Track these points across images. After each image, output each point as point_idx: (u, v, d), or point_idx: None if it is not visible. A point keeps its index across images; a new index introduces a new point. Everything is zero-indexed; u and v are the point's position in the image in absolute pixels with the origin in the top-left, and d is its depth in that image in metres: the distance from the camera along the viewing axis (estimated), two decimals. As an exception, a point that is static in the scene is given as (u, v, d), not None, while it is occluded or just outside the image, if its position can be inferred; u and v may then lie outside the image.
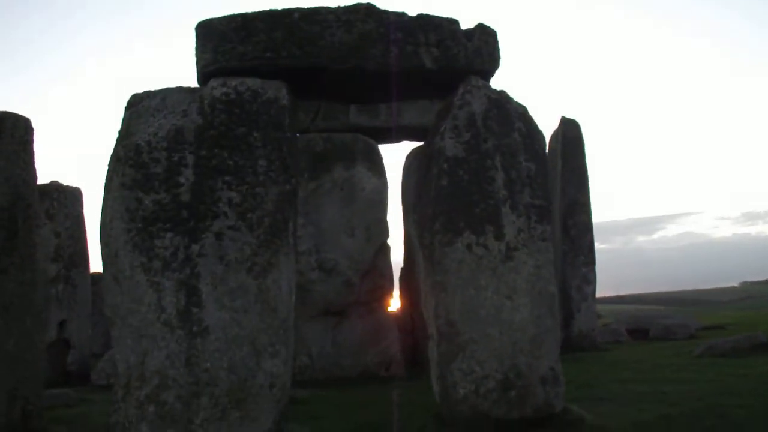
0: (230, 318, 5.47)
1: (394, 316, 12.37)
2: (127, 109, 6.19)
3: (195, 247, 5.54)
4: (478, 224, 5.85)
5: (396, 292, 12.41)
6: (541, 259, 5.96)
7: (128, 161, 5.77)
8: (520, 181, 6.00)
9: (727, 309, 43.40)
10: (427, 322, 6.09)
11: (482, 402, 5.72)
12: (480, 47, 6.26)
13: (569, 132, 14.81)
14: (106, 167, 5.98)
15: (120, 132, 6.07)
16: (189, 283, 5.48)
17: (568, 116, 15.03)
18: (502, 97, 6.28)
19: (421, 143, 12.15)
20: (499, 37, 6.43)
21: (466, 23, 6.40)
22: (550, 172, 6.22)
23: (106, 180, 5.90)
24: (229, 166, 5.77)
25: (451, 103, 6.23)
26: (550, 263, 6.00)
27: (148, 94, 6.22)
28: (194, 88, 6.20)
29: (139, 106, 6.16)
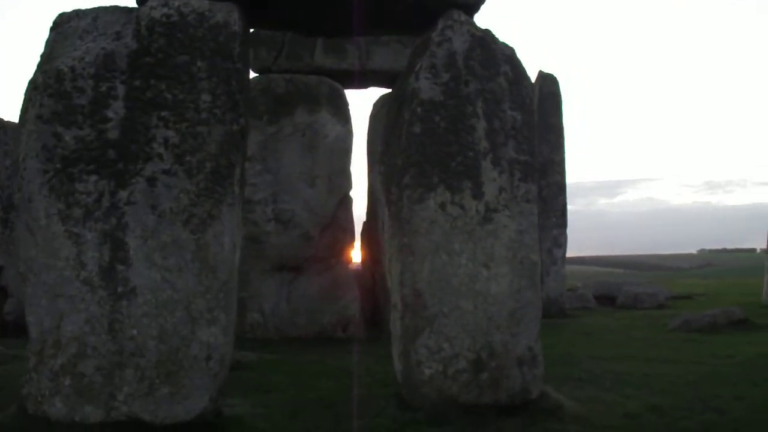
0: (162, 278, 4.80)
1: (354, 274, 11.63)
2: (52, 29, 5.38)
3: (123, 194, 4.83)
4: (455, 180, 5.06)
5: (357, 248, 11.67)
6: (524, 223, 5.20)
7: (47, 90, 4.94)
8: (504, 133, 5.20)
9: (688, 276, 43.49)
10: (390, 290, 5.33)
11: (450, 385, 4.98)
12: (465, -23, 5.41)
13: (546, 87, 14.05)
14: (23, 96, 5.11)
15: (42, 56, 5.28)
16: (114, 236, 4.80)
17: (546, 70, 14.24)
18: (488, 36, 5.45)
19: (391, 90, 11.36)
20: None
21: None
22: (534, 123, 5.43)
23: (21, 111, 5.11)
24: (166, 100, 4.96)
25: (428, 38, 5.39)
26: (534, 228, 5.25)
27: (77, 14, 5.39)
28: (132, 8, 5.32)
29: (66, 27, 5.33)
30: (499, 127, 5.20)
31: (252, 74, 11.19)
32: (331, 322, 10.65)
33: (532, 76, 14.41)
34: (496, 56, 5.37)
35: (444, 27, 5.35)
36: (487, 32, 5.49)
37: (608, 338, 10.13)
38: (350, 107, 11.17)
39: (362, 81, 11.20)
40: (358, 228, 11.58)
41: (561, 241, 13.96)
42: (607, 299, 17.25)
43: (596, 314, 14.30)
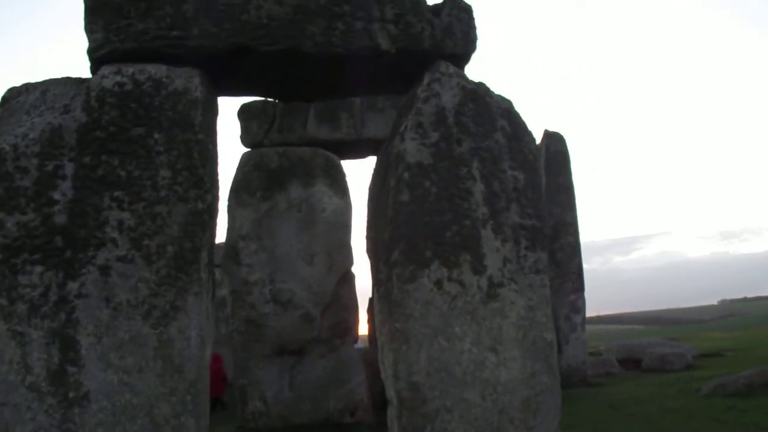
0: (119, 380, 4.20)
1: (361, 353, 10.89)
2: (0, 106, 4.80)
3: (72, 286, 4.26)
4: (451, 253, 4.40)
5: (363, 325, 10.98)
6: (535, 297, 4.52)
7: (-13, 171, 4.34)
8: (505, 196, 4.57)
9: (712, 329, 42.31)
10: (384, 383, 4.62)
11: (459, 494, 4.24)
12: (451, 25, 4.84)
13: (553, 146, 13.49)
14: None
15: (-14, 135, 4.66)
16: (64, 334, 4.24)
17: (551, 129, 13.71)
18: (480, 89, 4.86)
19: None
20: (476, 15, 5.01)
21: (433, -1, 5.00)
22: (540, 182, 4.79)
23: (-42, 197, 4.47)
24: (120, 178, 4.39)
25: (414, 95, 4.81)
26: (547, 302, 4.56)
27: (27, 87, 4.91)
28: (84, 79, 4.78)
29: (14, 102, 4.86)
30: (499, 189, 4.56)
31: (244, 149, 10.77)
32: (337, 408, 9.90)
33: (537, 137, 13.98)
34: (491, 110, 4.76)
35: (431, 81, 4.76)
36: (480, 85, 4.90)
37: (639, 411, 9.30)
38: (348, 178, 10.61)
39: (358, 150, 10.68)
40: (363, 303, 10.91)
41: (579, 306, 13.21)
42: (631, 362, 16.37)
43: (622, 381, 13.43)
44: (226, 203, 10.44)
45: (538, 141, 13.88)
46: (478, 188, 4.53)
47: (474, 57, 5.08)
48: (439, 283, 4.36)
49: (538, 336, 4.45)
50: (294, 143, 10.47)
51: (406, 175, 4.49)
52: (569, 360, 12.95)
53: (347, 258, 10.31)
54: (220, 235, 11.12)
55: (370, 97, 10.27)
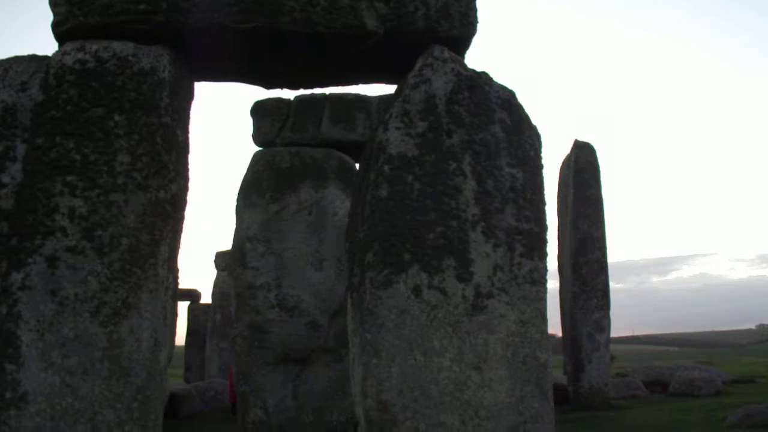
0: (61, 382, 3.81)
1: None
2: (-38, 84, 4.44)
3: (16, 277, 3.89)
4: (433, 257, 3.92)
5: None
6: (528, 311, 4.00)
7: (-68, 153, 3.99)
8: (500, 195, 4.07)
9: (748, 353, 41.13)
10: (354, 400, 4.15)
11: None
12: (447, 5, 4.34)
13: (583, 157, 12.92)
14: None
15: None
16: (4, 329, 3.85)
17: (582, 140, 13.15)
18: (479, 77, 4.36)
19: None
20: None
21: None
22: (542, 183, 4.28)
23: None
24: (74, 162, 4.01)
25: (404, 82, 4.34)
26: (542, 318, 4.03)
27: (-10, 65, 4.46)
28: (45, 56, 4.40)
29: (-23, 81, 4.40)
30: (493, 188, 4.06)
31: (256, 148, 10.38)
32: (341, 421, 9.44)
33: (568, 147, 13.43)
34: (489, 100, 4.26)
35: (423, 66, 4.28)
36: (481, 73, 4.42)
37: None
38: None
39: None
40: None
41: (603, 325, 12.61)
42: (659, 385, 15.70)
43: (645, 405, 12.79)
44: (235, 204, 10.08)
45: (567, 152, 13.35)
46: (469, 186, 4.04)
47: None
48: (417, 290, 3.87)
49: (529, 355, 3.93)
50: (307, 143, 10.05)
51: (386, 168, 4.02)
52: (591, 381, 12.38)
53: (357, 264, 9.85)
54: (228, 238, 10.74)
55: (388, 96, 9.83)
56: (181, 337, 24.06)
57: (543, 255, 4.11)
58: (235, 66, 4.73)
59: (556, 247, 13.58)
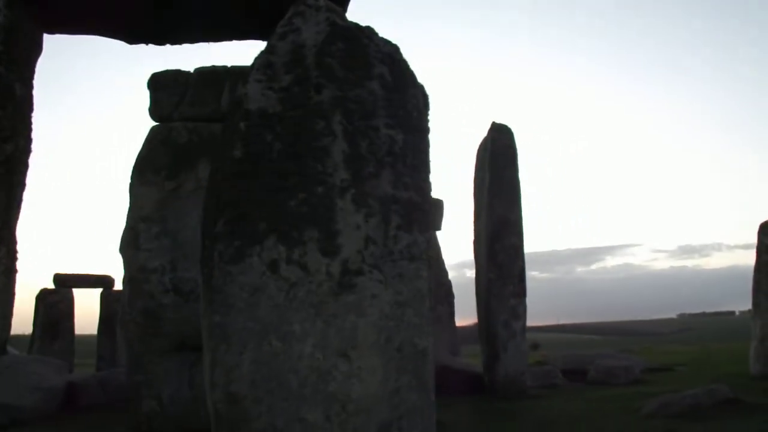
0: None
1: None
2: None
3: None
4: (294, 227, 3.38)
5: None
6: (406, 291, 3.50)
7: None
8: (375, 159, 3.56)
9: (668, 342, 41.94)
10: (206, 392, 3.60)
11: None
12: (324, -53, 3.83)
13: (500, 139, 12.53)
14: None
15: None
16: None
17: (500, 122, 12.77)
18: (358, 28, 3.84)
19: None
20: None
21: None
22: (426, 148, 3.78)
23: None
24: None
25: (272, 33, 3.79)
26: (422, 299, 3.54)
27: None
28: None
29: None
30: (367, 150, 3.55)
31: (152, 123, 9.70)
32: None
33: (485, 129, 13.05)
34: (367, 54, 3.74)
35: (293, 14, 3.73)
36: (363, 27, 3.90)
37: (570, 429, 8.41)
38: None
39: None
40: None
41: (519, 312, 12.24)
42: (577, 374, 15.48)
43: (563, 394, 12.50)
44: (129, 182, 9.38)
45: (485, 135, 12.97)
46: (339, 147, 3.52)
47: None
48: (274, 266, 3.33)
49: (406, 341, 3.44)
50: (207, 118, 9.39)
51: (242, 125, 3.47)
52: (507, 370, 12.01)
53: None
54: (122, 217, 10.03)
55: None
56: (93, 326, 23.19)
57: (424, 228, 3.63)
58: (93, 18, 4.11)
59: (473, 233, 13.20)
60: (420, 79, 3.90)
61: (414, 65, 3.93)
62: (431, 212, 3.76)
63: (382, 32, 3.84)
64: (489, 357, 12.34)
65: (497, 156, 12.40)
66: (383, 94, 3.70)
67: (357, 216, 3.46)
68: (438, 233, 18.15)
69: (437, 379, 11.34)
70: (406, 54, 3.85)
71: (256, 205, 3.36)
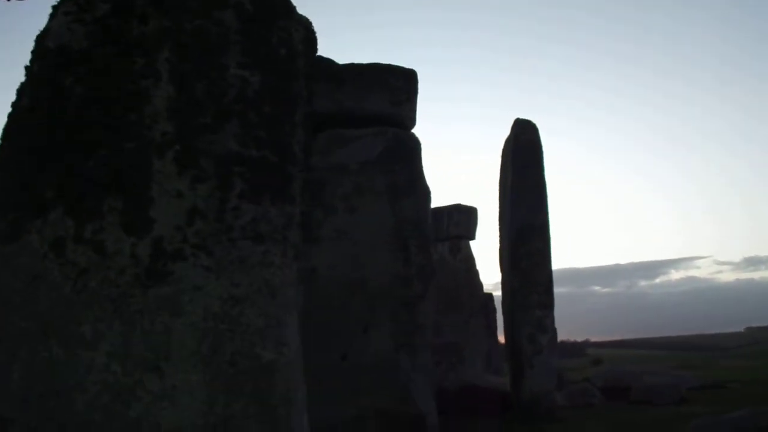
0: None
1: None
2: None
3: None
4: (89, 194, 2.53)
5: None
6: (246, 282, 2.58)
7: None
8: (216, 107, 2.66)
9: (733, 357, 39.84)
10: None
11: None
12: None
13: (523, 135, 11.54)
14: None
15: None
16: None
17: (524, 117, 11.77)
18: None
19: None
20: None
21: None
22: (296, 96, 2.89)
23: None
24: None
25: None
26: (272, 296, 2.60)
27: None
28: None
29: None
30: (204, 95, 2.67)
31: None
32: None
33: (508, 126, 12.05)
34: (220, -24, 2.90)
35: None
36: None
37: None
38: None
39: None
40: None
41: (546, 324, 11.19)
42: (619, 392, 14.28)
43: (595, 416, 11.37)
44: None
45: (507, 132, 11.99)
46: (163, 91, 2.64)
47: None
48: (59, 246, 2.47)
49: (242, 352, 2.50)
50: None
51: (36, 67, 2.65)
52: (533, 388, 10.96)
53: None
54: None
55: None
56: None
57: (282, 198, 2.73)
58: None
59: (498, 238, 12.21)
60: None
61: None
62: (298, 178, 2.86)
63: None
64: (514, 374, 11.30)
65: (520, 154, 11.42)
66: (238, 26, 2.82)
67: (180, 180, 2.57)
68: (472, 243, 17.17)
69: (463, 399, 10.31)
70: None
71: (40, 167, 2.52)
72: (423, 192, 8.70)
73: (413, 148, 8.74)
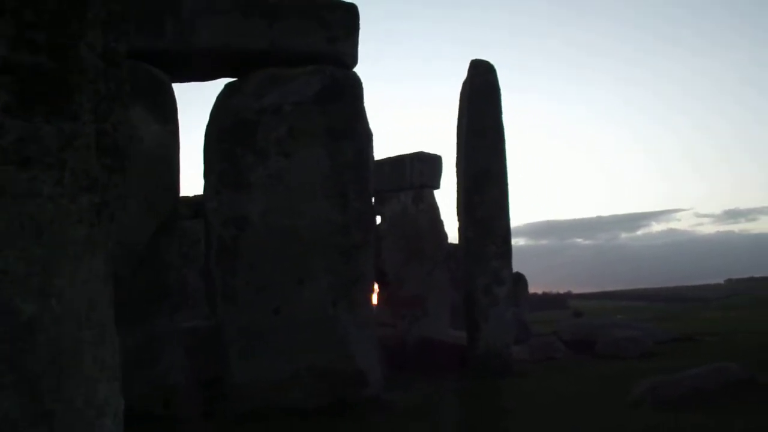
0: None
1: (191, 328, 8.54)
2: None
3: None
4: None
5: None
6: (5, 219, 2.04)
7: None
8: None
9: (713, 308, 39.90)
10: None
11: None
12: None
13: (478, 77, 10.93)
14: None
15: None
16: None
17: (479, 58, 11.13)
18: None
19: (235, 79, 8.41)
20: None
21: None
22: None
23: None
24: None
25: None
26: (40, 231, 2.05)
27: None
28: None
29: None
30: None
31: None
32: (144, 394, 7.54)
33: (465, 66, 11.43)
34: None
35: None
36: None
37: (539, 420, 6.92)
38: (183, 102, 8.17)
39: (189, 64, 8.22)
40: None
41: (504, 276, 10.69)
42: (585, 345, 13.91)
43: (557, 370, 10.96)
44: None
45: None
46: None
47: None
48: None
49: None
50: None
51: None
52: (488, 342, 10.50)
53: (170, 201, 7.92)
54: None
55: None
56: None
57: (60, 114, 2.14)
58: None
59: (456, 187, 11.64)
60: None
61: None
62: (88, 90, 2.27)
63: None
64: (469, 328, 10.85)
65: (476, 96, 10.81)
66: None
67: None
68: (437, 192, 16.62)
69: (421, 354, 9.86)
70: None
71: None
72: (363, 134, 8.14)
73: (353, 87, 8.15)
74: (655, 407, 7.13)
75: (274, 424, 7.07)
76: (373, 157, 8.48)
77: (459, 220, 11.33)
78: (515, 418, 7.10)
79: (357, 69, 8.36)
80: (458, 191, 11.34)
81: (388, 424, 7.18)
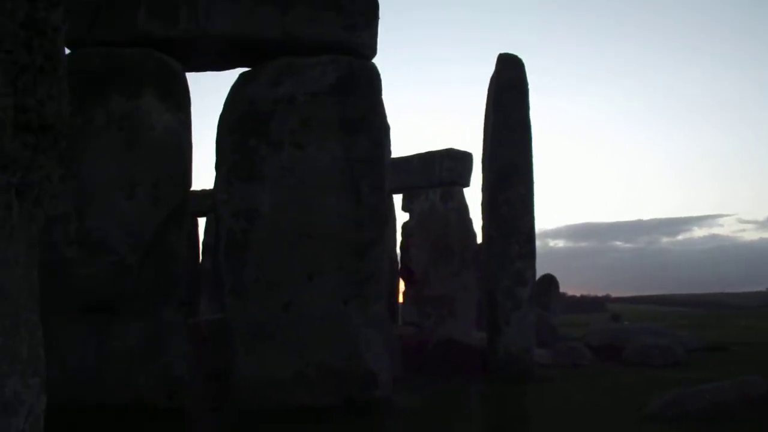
0: None
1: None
2: None
3: None
4: None
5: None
6: None
7: None
8: None
9: (751, 316, 38.83)
10: None
11: None
12: None
13: (506, 72, 10.60)
14: None
15: None
16: None
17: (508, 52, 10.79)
18: None
19: (249, 69, 8.21)
20: None
21: None
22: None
23: None
24: None
25: None
26: None
27: None
28: None
29: None
30: None
31: (66, 49, 8.29)
32: (149, 385, 7.41)
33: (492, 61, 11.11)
34: None
35: None
36: None
37: None
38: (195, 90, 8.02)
39: (203, 51, 8.04)
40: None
41: (527, 277, 10.35)
42: (612, 351, 13.46)
43: (579, 377, 10.54)
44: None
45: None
46: None
47: None
48: None
49: None
50: (122, 42, 7.89)
51: None
52: (509, 346, 10.17)
53: (180, 191, 7.76)
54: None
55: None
56: None
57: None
58: None
59: (481, 184, 11.32)
60: None
61: None
62: (5, 61, 2.05)
63: None
64: (490, 331, 10.53)
65: (503, 91, 10.50)
66: None
67: None
68: (467, 190, 16.32)
69: (442, 356, 9.56)
70: None
71: None
72: (380, 128, 7.89)
73: (370, 78, 7.90)
74: (670, 421, 6.75)
75: (280, 422, 6.87)
76: (390, 151, 8.25)
77: (483, 218, 11.02)
78: (515, 428, 6.80)
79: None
80: (483, 188, 11.02)
81: (395, 427, 6.93)
